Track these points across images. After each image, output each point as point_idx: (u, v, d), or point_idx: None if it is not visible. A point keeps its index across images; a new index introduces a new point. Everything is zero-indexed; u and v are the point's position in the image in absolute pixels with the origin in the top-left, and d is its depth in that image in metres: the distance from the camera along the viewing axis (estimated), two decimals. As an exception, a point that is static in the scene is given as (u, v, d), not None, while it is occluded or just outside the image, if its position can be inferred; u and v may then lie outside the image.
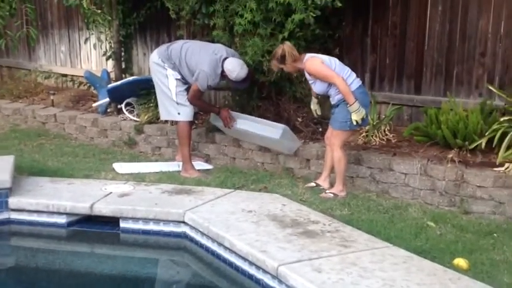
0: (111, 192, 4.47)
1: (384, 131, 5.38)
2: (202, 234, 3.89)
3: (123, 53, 6.96)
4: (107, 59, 6.94)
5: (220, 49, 5.05)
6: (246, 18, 5.09)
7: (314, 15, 4.94)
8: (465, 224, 4.13)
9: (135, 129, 6.07)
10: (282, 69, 4.84)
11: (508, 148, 4.46)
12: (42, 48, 8.37)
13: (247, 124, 5.18)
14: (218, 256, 3.75)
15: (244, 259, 3.50)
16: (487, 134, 4.62)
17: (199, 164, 5.41)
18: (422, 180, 4.68)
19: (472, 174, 4.46)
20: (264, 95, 5.67)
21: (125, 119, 6.29)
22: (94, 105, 6.59)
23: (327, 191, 4.71)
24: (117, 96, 6.31)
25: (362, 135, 5.37)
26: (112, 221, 4.24)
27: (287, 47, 4.71)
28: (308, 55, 4.68)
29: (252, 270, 3.44)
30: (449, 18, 5.25)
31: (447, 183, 4.56)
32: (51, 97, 7.11)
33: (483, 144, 4.60)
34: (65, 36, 7.98)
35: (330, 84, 4.56)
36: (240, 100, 5.90)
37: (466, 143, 4.68)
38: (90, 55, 7.74)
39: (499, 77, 5.08)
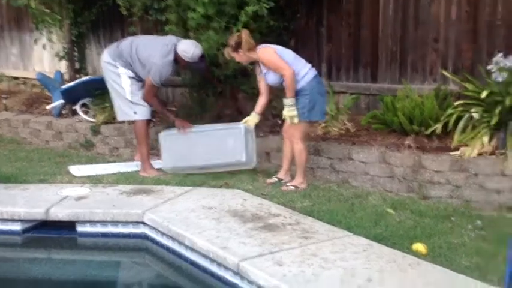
0: (67, 196, 4.35)
1: (343, 120, 5.40)
2: (163, 234, 3.81)
3: (76, 53, 6.81)
4: (60, 60, 6.77)
5: (171, 39, 4.95)
6: (199, 12, 5.02)
7: (267, 7, 4.91)
8: (424, 209, 4.17)
9: (92, 131, 5.94)
10: (234, 59, 4.76)
11: (462, 131, 4.53)
12: (-9, 52, 8.11)
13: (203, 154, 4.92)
14: (179, 255, 3.68)
15: (206, 257, 3.44)
16: (442, 118, 4.68)
17: (159, 163, 5.31)
18: (381, 168, 4.72)
19: (429, 159, 4.52)
20: (221, 91, 5.61)
21: (80, 121, 6.15)
22: (48, 107, 6.42)
23: (288, 184, 4.69)
24: (71, 97, 6.16)
25: (321, 125, 5.37)
26: (69, 226, 4.12)
27: (245, 34, 4.60)
28: (262, 45, 4.64)
29: (214, 268, 3.39)
30: (402, 4, 5.29)
31: (405, 169, 4.61)
32: (3, 101, 6.90)
33: (439, 129, 4.66)
34: (16, 38, 7.75)
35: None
36: (198, 96, 5.83)
37: (423, 128, 4.73)
38: (42, 57, 7.54)
39: (452, 62, 5.15)
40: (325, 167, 4.98)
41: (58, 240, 4.12)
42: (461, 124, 4.53)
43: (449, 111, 4.64)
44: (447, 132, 4.70)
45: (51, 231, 4.15)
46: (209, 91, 5.59)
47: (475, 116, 4.47)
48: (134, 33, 5.96)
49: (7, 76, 7.68)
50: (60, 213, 4.11)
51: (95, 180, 4.84)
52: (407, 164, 4.60)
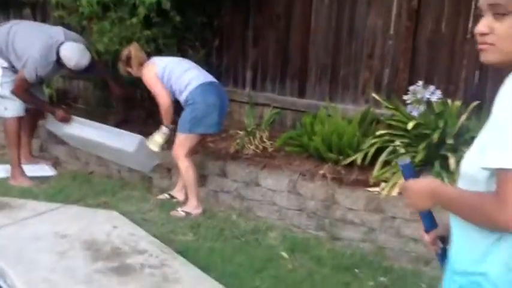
0: None
1: (261, 137, 4.71)
2: (-9, 266, 3.07)
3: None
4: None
5: (58, 33, 4.21)
6: (94, -2, 4.27)
7: (171, -1, 4.18)
8: (326, 255, 3.51)
9: (-23, 124, 5.11)
10: (130, 74, 4.12)
11: (384, 165, 3.88)
12: None
13: (94, 133, 4.34)
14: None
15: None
16: (365, 147, 4.03)
17: (41, 169, 4.56)
18: (290, 199, 4.04)
19: (343, 194, 3.85)
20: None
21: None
22: None
23: (179, 209, 3.99)
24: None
25: (236, 141, 4.68)
26: None
27: (133, 48, 4.10)
28: (151, 60, 4.02)
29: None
30: (337, 11, 4.61)
31: (316, 203, 3.94)
32: None
33: (359, 160, 4.00)
34: None
35: (175, 90, 3.95)
36: (102, 94, 5.09)
37: (341, 157, 4.07)
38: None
39: (387, 81, 4.50)
40: (230, 191, 4.28)
41: None
42: (382, 157, 3.87)
43: (372, 140, 3.98)
44: (371, 163, 4.05)
45: None
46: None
47: (399, 149, 3.82)
48: (28, 17, 5.18)
49: None
50: None
51: (-51, 186, 4.07)
52: (319, 197, 3.93)
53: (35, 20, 5.58)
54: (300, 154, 4.38)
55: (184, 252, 3.31)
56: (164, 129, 4.05)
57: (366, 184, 3.91)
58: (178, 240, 3.53)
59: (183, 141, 3.93)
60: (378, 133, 3.97)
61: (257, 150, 4.59)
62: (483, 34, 1.27)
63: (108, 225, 3.56)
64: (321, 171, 4.05)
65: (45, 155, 4.87)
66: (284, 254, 3.44)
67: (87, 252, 3.15)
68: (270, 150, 4.60)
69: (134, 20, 4.19)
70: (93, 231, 3.44)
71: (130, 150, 4.13)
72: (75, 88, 5.85)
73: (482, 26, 1.28)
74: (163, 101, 3.94)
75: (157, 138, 4.07)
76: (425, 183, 1.41)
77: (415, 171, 1.51)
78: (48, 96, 5.35)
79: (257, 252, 3.45)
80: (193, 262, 3.18)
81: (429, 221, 1.55)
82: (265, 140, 4.70)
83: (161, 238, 3.49)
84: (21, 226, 3.42)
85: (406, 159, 1.54)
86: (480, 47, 1.30)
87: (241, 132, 4.74)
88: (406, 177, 1.49)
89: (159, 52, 4.51)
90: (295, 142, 4.39)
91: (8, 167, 4.42)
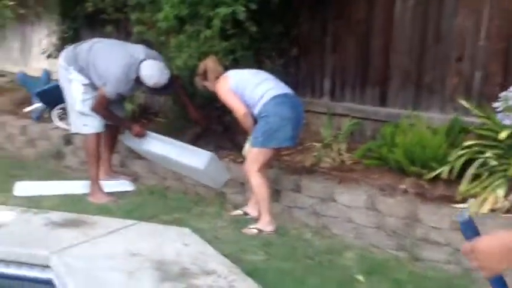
0: (-17, 223, 3.73)
1: (339, 150, 4.48)
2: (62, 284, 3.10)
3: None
4: (47, 57, 6.22)
5: (138, 51, 4.23)
6: (170, 12, 4.27)
7: (244, 10, 4.08)
8: (406, 278, 3.22)
9: (64, 140, 5.32)
10: (207, 88, 4.07)
11: (473, 179, 3.51)
12: (-4, 45, 7.72)
13: (166, 148, 4.33)
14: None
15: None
16: (452, 160, 3.68)
17: (120, 184, 4.63)
18: (368, 216, 3.78)
19: (426, 211, 3.54)
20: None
21: (56, 128, 5.55)
22: (26, 110, 5.91)
23: (251, 226, 3.86)
24: (49, 100, 5.59)
25: (313, 154, 4.49)
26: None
27: (210, 61, 4.04)
28: (225, 73, 3.94)
29: None
30: (421, 13, 4.30)
31: (397, 220, 3.65)
32: (-13, 100, 6.47)
33: (445, 174, 3.67)
34: (18, 32, 7.29)
35: (249, 104, 3.85)
36: (182, 108, 5.09)
37: (425, 170, 3.75)
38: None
39: (478, 87, 4.11)
40: (305, 207, 4.10)
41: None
42: (471, 170, 3.51)
43: (459, 151, 3.63)
44: (458, 177, 3.69)
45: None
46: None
47: (490, 161, 3.44)
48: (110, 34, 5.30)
49: (7, 72, 7.24)
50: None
51: (34, 202, 4.19)
52: (399, 214, 3.64)
53: (118, 37, 5.73)
54: (379, 167, 4.11)
55: (253, 272, 3.16)
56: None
57: (451, 200, 3.58)
58: (248, 259, 3.40)
59: (256, 156, 3.80)
60: (466, 144, 3.61)
61: (334, 164, 4.37)
62: None
63: (179, 243, 3.50)
64: (402, 186, 3.76)
65: (124, 170, 4.95)
66: (360, 277, 3.20)
67: (156, 272, 3.09)
68: (347, 163, 4.37)
69: (208, 32, 4.13)
70: (164, 249, 3.39)
71: (201, 167, 4.08)
72: (155, 103, 5.94)
73: None
74: (240, 112, 3.84)
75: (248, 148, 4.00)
76: (498, 241, 1.15)
77: (476, 227, 1.24)
78: (130, 111, 5.48)
79: (331, 274, 3.23)
80: (262, 284, 3.02)
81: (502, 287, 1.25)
82: (342, 152, 4.47)
83: (231, 257, 3.37)
84: (93, 244, 3.44)
85: (465, 214, 1.26)
86: None
87: (317, 145, 4.54)
88: (468, 237, 1.22)
89: (237, 64, 4.43)
90: (374, 154, 4.13)
91: (88, 183, 4.52)
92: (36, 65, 7.02)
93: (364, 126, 4.69)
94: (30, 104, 6.42)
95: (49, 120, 5.79)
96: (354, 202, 3.84)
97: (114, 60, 4.16)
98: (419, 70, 4.39)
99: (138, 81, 4.19)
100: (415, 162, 3.77)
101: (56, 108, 5.61)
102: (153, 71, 4.13)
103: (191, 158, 4.11)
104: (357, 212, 3.82)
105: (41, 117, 5.85)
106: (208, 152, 4.14)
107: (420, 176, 3.78)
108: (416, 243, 3.53)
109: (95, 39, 4.52)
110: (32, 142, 5.61)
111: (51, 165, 5.30)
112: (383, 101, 4.61)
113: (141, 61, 4.16)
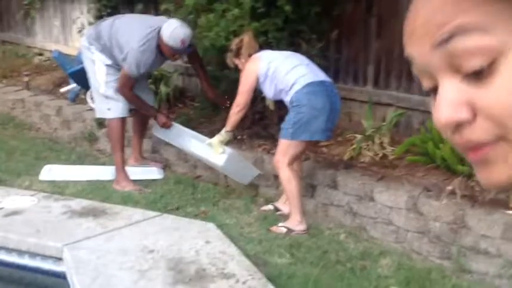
0: (2, 208, 3.60)
1: (382, 143, 4.12)
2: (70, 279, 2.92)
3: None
4: (82, 36, 6.05)
5: (160, 21, 3.93)
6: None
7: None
8: (448, 294, 2.87)
9: (97, 122, 5.16)
10: (237, 67, 3.78)
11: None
12: (38, 23, 7.52)
13: (189, 142, 4.14)
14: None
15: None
16: (507, 159, 3.26)
17: (148, 172, 4.43)
18: (409, 219, 3.43)
19: (476, 216, 3.16)
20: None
21: (90, 109, 5.41)
22: (61, 90, 5.79)
23: (280, 224, 3.58)
24: (81, 80, 5.41)
25: (353, 147, 4.15)
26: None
27: (247, 35, 3.72)
28: (257, 54, 3.65)
29: None
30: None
31: (442, 225, 3.28)
32: (25, 79, 6.36)
33: (499, 175, 3.25)
34: (58, 8, 7.15)
35: (281, 90, 3.48)
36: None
37: (476, 170, 3.34)
38: (83, 31, 6.90)
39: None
40: (341, 205, 3.78)
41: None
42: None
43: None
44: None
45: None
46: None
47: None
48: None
49: (48, 50, 7.14)
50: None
51: (56, 187, 4.04)
52: (445, 218, 3.27)
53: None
54: (424, 164, 3.72)
55: (276, 278, 2.89)
56: (223, 134, 3.76)
57: (505, 205, 3.18)
58: (273, 262, 3.12)
59: (286, 149, 3.50)
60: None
61: (375, 158, 4.01)
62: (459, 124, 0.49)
63: (200, 239, 3.27)
64: (449, 187, 3.37)
65: (156, 156, 4.74)
66: (395, 289, 2.88)
67: (170, 272, 2.87)
68: (390, 158, 4.00)
69: (236, 11, 3.82)
70: (183, 246, 3.17)
71: (219, 164, 3.83)
72: (193, 86, 5.69)
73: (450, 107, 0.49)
74: (239, 106, 3.59)
75: (213, 141, 3.81)
76: None
77: None
78: (165, 95, 5.26)
79: (363, 284, 2.92)
80: (284, 292, 2.76)
81: None
82: (385, 145, 4.10)
83: (254, 258, 3.11)
84: (109, 237, 3.24)
85: None
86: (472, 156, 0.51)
87: (359, 136, 4.18)
88: None
89: (269, 47, 4.12)
90: (419, 150, 3.74)
91: (112, 169, 4.34)
92: (78, 44, 6.89)
93: (410, 117, 4.29)
94: (67, 84, 6.33)
95: (85, 101, 5.65)
96: (394, 202, 3.49)
97: (134, 33, 3.91)
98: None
99: (161, 53, 3.92)
100: (465, 161, 3.36)
101: (90, 89, 5.45)
102: (170, 27, 3.81)
103: (212, 153, 3.86)
104: (397, 214, 3.47)
105: (77, 98, 5.72)
106: (229, 149, 3.89)
107: (470, 177, 3.38)
108: (462, 252, 3.17)
109: (117, 16, 4.31)
110: (67, 123, 5.49)
111: (84, 148, 5.17)
112: (432, 91, 4.18)
113: (160, 28, 3.88)
